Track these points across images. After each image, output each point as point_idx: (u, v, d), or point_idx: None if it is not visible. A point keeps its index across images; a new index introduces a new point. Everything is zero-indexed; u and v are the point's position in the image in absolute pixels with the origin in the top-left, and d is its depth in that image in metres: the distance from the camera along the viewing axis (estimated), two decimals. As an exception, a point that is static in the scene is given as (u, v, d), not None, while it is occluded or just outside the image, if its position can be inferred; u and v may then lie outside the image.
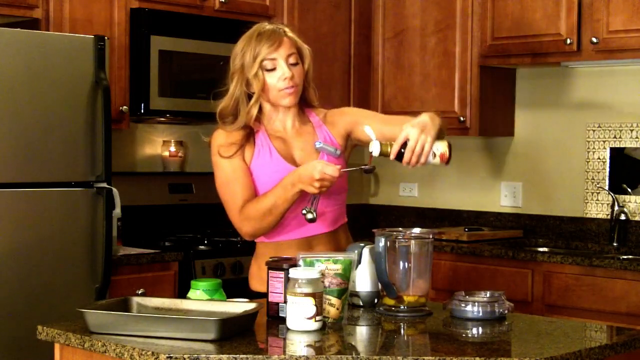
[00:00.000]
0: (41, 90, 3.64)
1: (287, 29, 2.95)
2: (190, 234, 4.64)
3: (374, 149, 2.66)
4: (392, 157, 2.66)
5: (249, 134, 2.94)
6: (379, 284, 2.71)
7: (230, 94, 2.94)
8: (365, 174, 2.80)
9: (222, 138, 2.94)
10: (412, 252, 2.67)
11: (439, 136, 2.73)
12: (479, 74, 4.76)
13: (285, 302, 2.46)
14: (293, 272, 2.43)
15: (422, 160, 2.67)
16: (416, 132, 2.65)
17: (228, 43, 4.46)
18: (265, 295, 2.64)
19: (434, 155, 2.70)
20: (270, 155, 2.91)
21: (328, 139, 2.98)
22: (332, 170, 2.68)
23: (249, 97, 2.93)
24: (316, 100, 3.04)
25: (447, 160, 2.73)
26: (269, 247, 2.94)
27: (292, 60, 2.91)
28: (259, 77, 2.88)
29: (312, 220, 2.76)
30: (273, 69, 2.89)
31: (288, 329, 2.43)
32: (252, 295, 2.94)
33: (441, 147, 2.72)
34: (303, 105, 3.03)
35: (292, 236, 2.92)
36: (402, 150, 2.65)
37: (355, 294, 2.75)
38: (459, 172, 5.21)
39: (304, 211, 2.75)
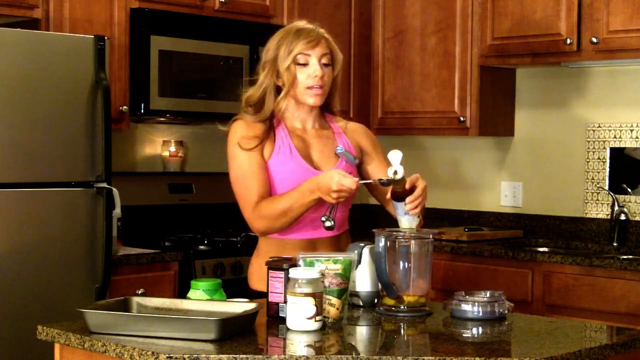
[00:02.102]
0: (41, 90, 3.64)
1: (324, 32, 2.98)
2: (190, 234, 4.64)
3: (400, 172, 2.70)
4: (407, 186, 2.72)
5: (269, 129, 2.94)
6: (379, 284, 2.71)
7: (260, 84, 2.96)
8: (382, 187, 2.84)
9: (244, 129, 2.94)
10: (412, 252, 2.67)
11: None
12: (479, 74, 4.76)
13: (285, 302, 2.47)
14: (293, 272, 2.43)
15: (418, 210, 2.75)
16: (425, 185, 2.77)
17: (228, 43, 4.53)
18: (265, 294, 2.64)
19: (419, 215, 2.79)
20: (290, 153, 2.92)
21: (347, 147, 3.01)
22: (350, 182, 2.70)
23: (277, 89, 2.95)
24: (338, 106, 3.08)
25: (419, 227, 2.83)
26: (272, 245, 2.95)
27: (324, 60, 2.93)
28: (291, 71, 2.90)
29: (330, 228, 2.78)
30: (305, 65, 2.91)
31: (288, 329, 2.43)
32: (251, 294, 2.94)
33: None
34: (324, 110, 3.05)
35: (300, 236, 2.93)
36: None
37: (355, 294, 2.75)
38: (459, 172, 5.21)
39: (323, 218, 2.77)
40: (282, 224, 2.86)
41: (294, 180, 2.87)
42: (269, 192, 2.90)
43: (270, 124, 2.95)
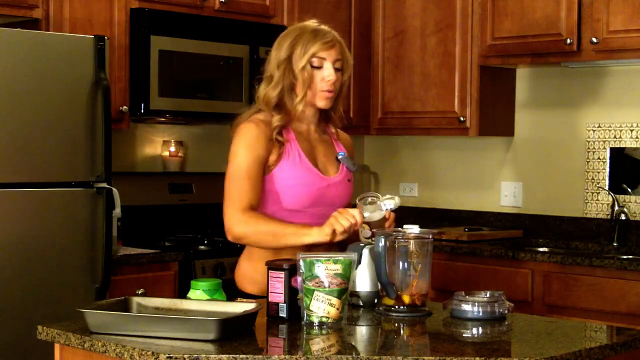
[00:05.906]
0: (41, 90, 3.64)
1: (338, 35, 2.94)
2: (190, 234, 4.64)
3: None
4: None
5: (279, 132, 2.89)
6: (379, 284, 2.71)
7: (276, 83, 2.90)
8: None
9: (254, 131, 2.86)
10: (412, 252, 2.67)
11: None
12: (479, 74, 4.76)
13: (285, 302, 2.48)
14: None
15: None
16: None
17: (228, 43, 4.53)
18: (254, 296, 2.68)
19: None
20: (300, 158, 2.89)
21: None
22: (356, 213, 2.74)
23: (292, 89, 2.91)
24: (340, 110, 3.03)
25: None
26: (267, 250, 2.93)
27: (337, 65, 2.91)
28: (307, 71, 2.87)
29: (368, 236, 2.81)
30: (319, 68, 2.88)
31: (288, 328, 2.42)
32: (240, 296, 2.93)
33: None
34: (323, 115, 3.02)
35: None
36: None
37: (355, 294, 2.75)
38: (459, 172, 5.21)
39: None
40: (260, 241, 2.84)
41: (303, 184, 2.86)
42: (258, 203, 2.85)
43: (280, 129, 2.90)
